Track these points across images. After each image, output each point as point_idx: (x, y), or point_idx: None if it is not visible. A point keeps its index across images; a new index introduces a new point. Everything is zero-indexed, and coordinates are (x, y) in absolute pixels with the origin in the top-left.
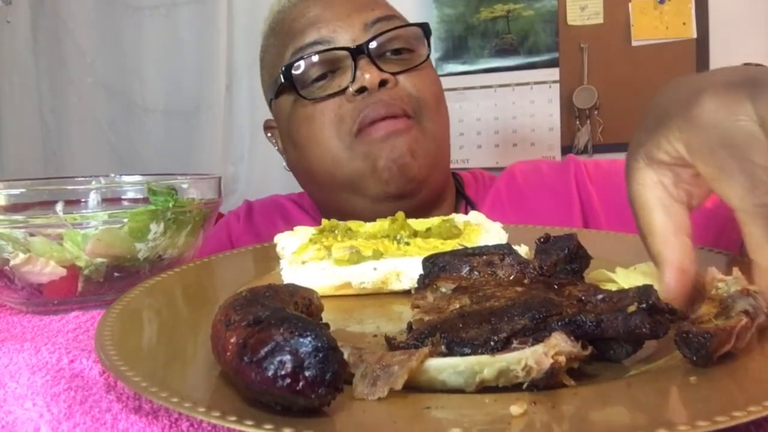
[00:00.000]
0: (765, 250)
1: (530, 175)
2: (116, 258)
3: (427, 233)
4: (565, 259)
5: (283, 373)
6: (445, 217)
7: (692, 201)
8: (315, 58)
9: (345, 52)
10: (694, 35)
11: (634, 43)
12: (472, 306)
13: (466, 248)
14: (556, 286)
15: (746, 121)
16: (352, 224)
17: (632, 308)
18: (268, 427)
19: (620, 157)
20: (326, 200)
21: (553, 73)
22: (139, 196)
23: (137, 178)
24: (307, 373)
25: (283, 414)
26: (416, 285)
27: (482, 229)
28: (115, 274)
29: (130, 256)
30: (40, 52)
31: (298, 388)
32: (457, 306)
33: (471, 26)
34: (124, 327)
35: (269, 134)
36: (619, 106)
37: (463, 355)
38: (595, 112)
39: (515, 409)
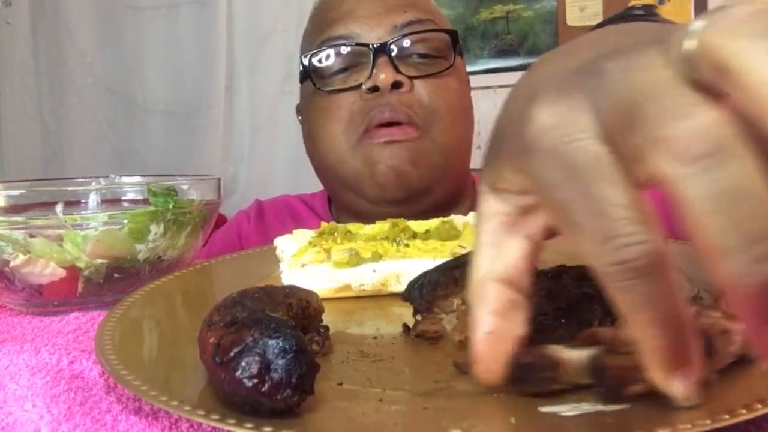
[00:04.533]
0: (637, 322)
1: None
2: (116, 259)
3: (426, 235)
4: None
5: (248, 374)
6: (444, 219)
7: (555, 229)
8: (336, 51)
9: (367, 49)
10: None
11: None
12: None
13: (441, 264)
14: (550, 276)
15: (585, 138)
16: (352, 227)
17: None
18: (267, 429)
19: None
20: (332, 193)
21: None
22: (139, 197)
23: (137, 179)
24: (272, 375)
25: (271, 416)
26: (415, 311)
27: None
28: (115, 275)
29: (130, 257)
30: (40, 52)
31: (263, 389)
32: None
33: (471, 27)
34: (124, 331)
35: (300, 117)
36: None
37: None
38: None
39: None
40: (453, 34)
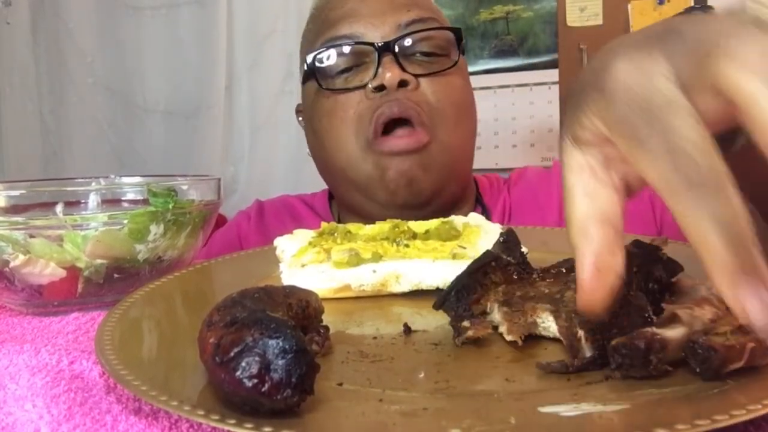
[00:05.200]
0: (700, 233)
1: (519, 182)
2: (116, 259)
3: (426, 235)
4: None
5: (248, 374)
6: (444, 219)
7: (631, 185)
8: (341, 50)
9: (371, 48)
10: None
11: None
12: (563, 307)
13: (466, 268)
14: (565, 270)
15: (662, 80)
16: (352, 227)
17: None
18: (267, 429)
19: None
20: (340, 194)
21: (553, 74)
22: (139, 197)
23: (137, 179)
24: (273, 375)
25: (271, 416)
26: (453, 318)
27: (481, 231)
28: (115, 276)
29: (129, 257)
30: (40, 52)
31: (263, 389)
32: (546, 314)
33: (470, 27)
34: (123, 331)
35: (300, 118)
36: None
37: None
38: None
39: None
40: (457, 32)
